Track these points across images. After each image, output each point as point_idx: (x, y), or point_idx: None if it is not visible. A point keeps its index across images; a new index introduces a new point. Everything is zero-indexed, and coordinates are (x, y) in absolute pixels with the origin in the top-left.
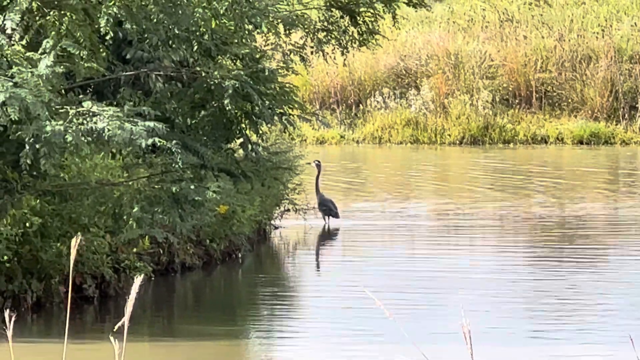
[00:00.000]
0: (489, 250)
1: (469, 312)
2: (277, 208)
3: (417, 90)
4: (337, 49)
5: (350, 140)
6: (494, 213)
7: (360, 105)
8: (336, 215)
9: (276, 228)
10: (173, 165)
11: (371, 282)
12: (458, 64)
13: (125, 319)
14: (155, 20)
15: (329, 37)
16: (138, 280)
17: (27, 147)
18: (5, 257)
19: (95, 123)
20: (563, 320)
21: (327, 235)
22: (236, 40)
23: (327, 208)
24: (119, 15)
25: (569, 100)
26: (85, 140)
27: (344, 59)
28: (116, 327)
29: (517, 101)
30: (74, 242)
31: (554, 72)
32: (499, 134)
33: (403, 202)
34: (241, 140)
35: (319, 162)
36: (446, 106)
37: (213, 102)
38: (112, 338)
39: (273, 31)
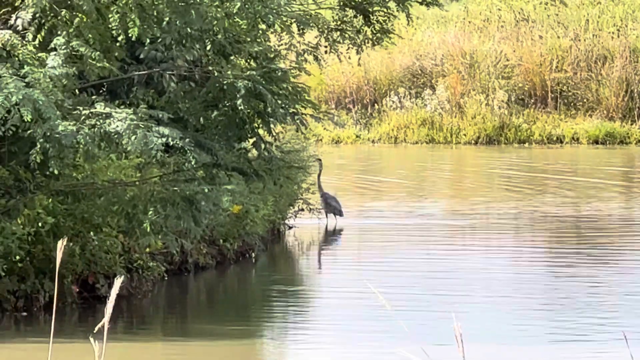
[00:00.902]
0: (505, 249)
1: (484, 311)
2: (291, 208)
3: (432, 90)
4: (351, 48)
5: (365, 140)
6: (510, 212)
7: (376, 104)
8: (340, 214)
9: (290, 228)
10: (186, 164)
11: (385, 281)
12: (473, 63)
13: (105, 320)
14: (167, 20)
15: (343, 37)
16: (118, 281)
17: (38, 145)
18: (18, 257)
19: (108, 125)
20: (580, 319)
21: (341, 235)
22: (249, 39)
23: (331, 206)
24: (129, 18)
25: (585, 100)
26: (97, 143)
27: (359, 59)
28: (96, 329)
29: (532, 101)
30: (60, 245)
31: (570, 71)
32: (514, 134)
33: (418, 202)
34: (254, 139)
35: (319, 159)
36: (462, 106)
37: (226, 102)
38: (92, 339)
39: (286, 31)
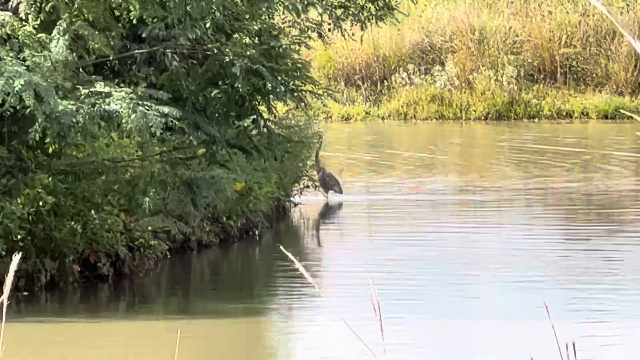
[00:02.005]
0: (516, 224)
1: (495, 287)
2: (296, 185)
3: (442, 66)
4: (355, 25)
5: (375, 117)
6: (521, 187)
7: (385, 81)
8: (339, 191)
9: (296, 205)
10: (185, 142)
11: (393, 257)
12: (483, 39)
13: (4, 297)
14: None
15: (347, 14)
16: (16, 258)
17: (37, 124)
18: (19, 236)
19: (107, 105)
20: (595, 293)
21: (348, 211)
22: (248, 17)
23: (328, 184)
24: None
25: (594, 75)
26: (96, 122)
27: (362, 35)
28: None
29: (541, 76)
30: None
31: (579, 47)
32: (524, 109)
33: (428, 178)
34: (253, 116)
35: (319, 134)
36: (471, 82)
37: (225, 80)
38: None
39: (286, 8)
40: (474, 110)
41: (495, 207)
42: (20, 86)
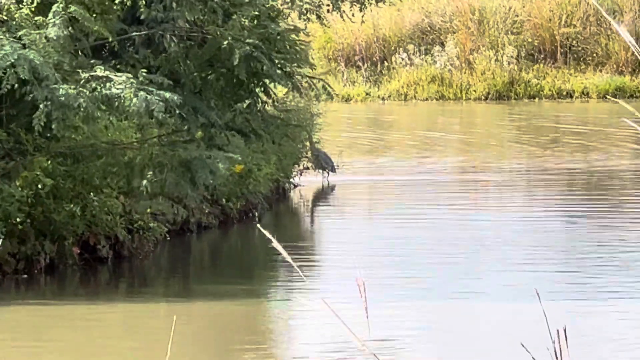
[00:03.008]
0: (517, 204)
1: (497, 267)
2: (296, 166)
3: (442, 47)
4: (355, 5)
5: (375, 98)
6: (521, 168)
7: (385, 62)
8: (332, 170)
9: (295, 186)
10: (184, 126)
11: (393, 237)
12: (482, 19)
13: None
14: None
15: None
16: None
17: (40, 109)
18: (18, 219)
19: (109, 89)
20: (598, 273)
21: (348, 192)
22: (247, 0)
23: (320, 163)
24: None
25: (594, 55)
26: (98, 106)
27: (362, 16)
28: None
29: (542, 56)
30: None
31: (579, 26)
32: (524, 89)
33: (428, 158)
34: (250, 100)
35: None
36: (471, 62)
37: (223, 63)
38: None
39: None
40: (474, 91)
41: (495, 186)
42: (13, 60)
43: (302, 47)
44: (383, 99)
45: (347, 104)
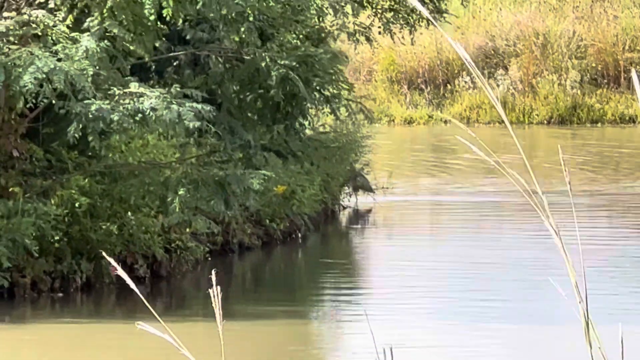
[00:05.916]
0: (580, 229)
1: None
2: (345, 188)
3: (505, 70)
4: (405, 28)
5: (438, 120)
6: (582, 192)
7: (449, 85)
8: (369, 189)
9: (345, 208)
10: (221, 147)
11: (442, 262)
12: (546, 43)
13: None
14: (200, 1)
15: (396, 17)
16: None
17: (75, 122)
18: (56, 238)
19: (141, 103)
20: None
21: (397, 214)
22: (283, 22)
23: (357, 183)
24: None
25: None
26: (131, 120)
27: (412, 38)
28: None
29: (605, 81)
30: None
31: None
32: (587, 114)
33: (489, 180)
34: (287, 122)
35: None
36: (534, 86)
37: (260, 84)
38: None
39: (321, 15)
40: (537, 115)
41: (556, 210)
42: (49, 69)
43: (341, 68)
44: (446, 122)
45: (409, 127)
